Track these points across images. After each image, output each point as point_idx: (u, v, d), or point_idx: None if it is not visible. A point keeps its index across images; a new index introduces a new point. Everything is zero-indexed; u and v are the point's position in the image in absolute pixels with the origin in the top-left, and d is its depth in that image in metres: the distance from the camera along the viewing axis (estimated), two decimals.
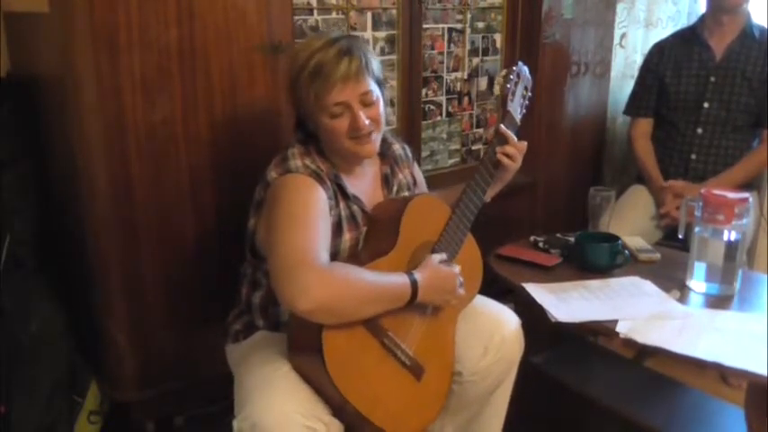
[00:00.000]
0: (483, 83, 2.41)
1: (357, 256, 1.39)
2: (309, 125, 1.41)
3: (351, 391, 1.22)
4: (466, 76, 2.35)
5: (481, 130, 2.46)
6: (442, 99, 2.30)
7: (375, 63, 1.39)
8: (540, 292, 1.57)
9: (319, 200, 1.32)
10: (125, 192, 1.53)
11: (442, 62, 2.26)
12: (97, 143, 1.51)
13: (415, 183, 1.62)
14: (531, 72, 1.65)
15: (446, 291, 1.37)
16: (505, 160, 1.52)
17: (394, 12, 2.09)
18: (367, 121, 1.36)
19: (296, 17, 1.81)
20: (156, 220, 1.58)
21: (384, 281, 1.28)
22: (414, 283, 1.29)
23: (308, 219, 1.28)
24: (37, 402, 1.60)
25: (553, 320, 1.47)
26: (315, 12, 1.88)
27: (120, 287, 1.59)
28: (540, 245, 1.84)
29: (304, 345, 1.25)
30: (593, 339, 2.15)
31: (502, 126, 1.53)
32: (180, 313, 1.67)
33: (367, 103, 1.36)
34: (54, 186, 1.76)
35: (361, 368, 1.26)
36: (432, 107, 2.28)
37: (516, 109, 1.58)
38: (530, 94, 1.64)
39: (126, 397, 1.68)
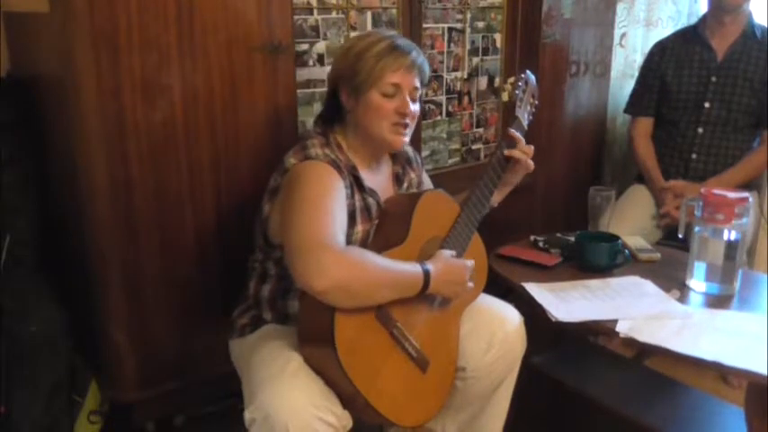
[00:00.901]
0: (483, 82, 2.41)
1: (367, 248, 1.40)
2: (348, 104, 1.45)
3: (360, 380, 1.23)
4: (466, 76, 2.35)
5: (481, 130, 2.46)
6: (442, 99, 2.30)
7: (428, 73, 1.50)
8: (540, 292, 1.57)
9: (337, 187, 1.36)
10: (125, 192, 1.53)
11: (442, 62, 2.26)
12: (97, 143, 1.51)
13: (421, 185, 1.66)
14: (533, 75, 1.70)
15: (456, 283, 1.39)
16: (519, 155, 1.55)
17: (394, 11, 2.09)
18: (412, 109, 1.43)
19: (296, 17, 1.81)
20: (156, 220, 1.58)
21: (398, 267, 1.30)
22: (426, 273, 1.32)
23: (325, 202, 1.31)
24: (37, 402, 1.59)
25: (553, 320, 1.47)
26: (315, 11, 1.88)
27: (120, 287, 1.59)
28: (540, 245, 1.84)
29: (315, 335, 1.26)
30: (593, 339, 2.15)
31: (511, 129, 1.58)
32: (180, 313, 1.67)
33: (413, 98, 1.44)
34: (54, 186, 1.76)
35: (370, 358, 1.28)
36: (432, 107, 2.28)
37: (523, 115, 1.63)
38: (537, 102, 1.70)
39: (126, 397, 1.68)
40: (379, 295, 1.27)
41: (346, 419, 1.27)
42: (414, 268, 1.32)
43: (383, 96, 1.41)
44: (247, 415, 1.24)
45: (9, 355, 1.56)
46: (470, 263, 1.42)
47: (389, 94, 1.41)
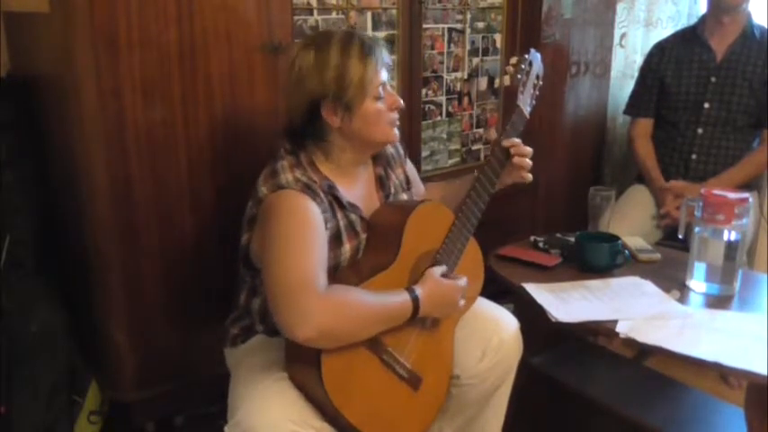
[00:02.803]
0: (483, 83, 2.41)
1: (357, 267, 1.37)
2: (338, 122, 1.33)
3: (346, 406, 1.22)
4: (466, 76, 2.35)
5: (481, 130, 2.46)
6: (442, 99, 2.30)
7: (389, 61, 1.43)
8: (540, 293, 1.57)
9: (313, 217, 1.28)
10: (125, 192, 1.53)
11: (441, 62, 2.26)
12: (97, 143, 1.51)
13: (408, 181, 1.59)
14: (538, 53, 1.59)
15: (447, 304, 1.36)
16: (522, 161, 1.48)
17: (394, 12, 2.08)
18: (401, 101, 1.40)
19: (296, 17, 1.81)
20: (156, 220, 1.58)
21: (385, 301, 1.26)
22: (415, 300, 1.28)
23: (303, 240, 1.24)
24: (37, 402, 1.59)
25: (553, 320, 1.47)
26: (315, 12, 1.88)
27: (120, 287, 1.59)
28: (540, 245, 1.84)
29: (302, 358, 1.24)
30: (593, 339, 2.15)
31: (509, 139, 1.48)
32: (180, 313, 1.67)
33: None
34: (54, 186, 1.76)
35: (357, 384, 1.26)
36: (432, 107, 2.28)
37: (526, 101, 1.53)
38: (541, 83, 1.59)
39: (126, 397, 1.68)
40: (366, 333, 1.24)
41: (327, 431, 1.25)
42: (401, 297, 1.27)
43: (376, 100, 1.35)
44: (226, 430, 1.23)
45: (9, 356, 1.56)
46: (463, 281, 1.37)
47: (380, 95, 1.35)
